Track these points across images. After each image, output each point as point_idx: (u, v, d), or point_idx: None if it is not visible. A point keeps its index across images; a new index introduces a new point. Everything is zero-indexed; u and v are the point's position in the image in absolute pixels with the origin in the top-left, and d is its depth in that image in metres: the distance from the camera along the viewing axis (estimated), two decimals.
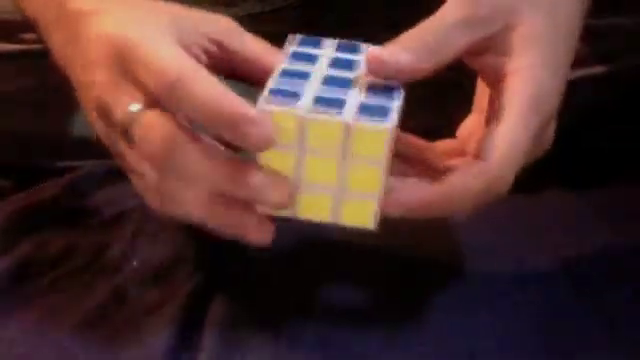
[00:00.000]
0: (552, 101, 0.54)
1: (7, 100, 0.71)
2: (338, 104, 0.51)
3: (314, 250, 0.62)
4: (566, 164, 0.64)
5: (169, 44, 0.53)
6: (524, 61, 0.54)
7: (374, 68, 0.53)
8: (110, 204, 0.66)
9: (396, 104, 0.52)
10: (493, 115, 0.54)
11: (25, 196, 0.67)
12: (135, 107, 0.53)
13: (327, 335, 0.57)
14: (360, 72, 0.54)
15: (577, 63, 0.62)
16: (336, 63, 0.55)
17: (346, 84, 0.53)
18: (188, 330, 0.58)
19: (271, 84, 0.52)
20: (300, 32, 0.57)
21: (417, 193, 0.52)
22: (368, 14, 0.68)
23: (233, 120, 0.50)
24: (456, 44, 0.53)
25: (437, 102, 0.64)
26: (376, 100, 0.52)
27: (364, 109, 0.51)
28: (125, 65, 0.53)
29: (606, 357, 0.56)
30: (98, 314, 0.59)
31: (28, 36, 0.71)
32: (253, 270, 0.61)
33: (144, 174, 0.53)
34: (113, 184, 0.66)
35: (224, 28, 0.56)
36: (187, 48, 0.54)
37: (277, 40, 0.57)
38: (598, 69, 0.64)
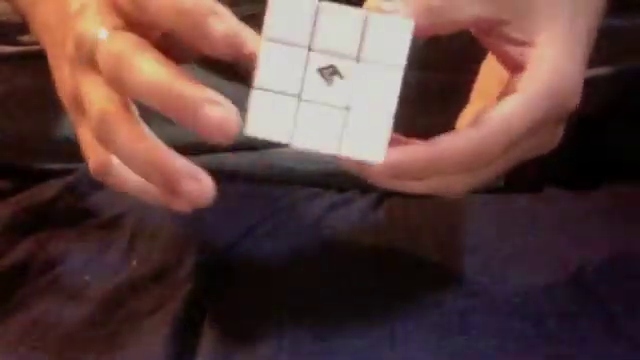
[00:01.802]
0: (569, 93, 0.53)
1: (6, 101, 0.71)
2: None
3: (314, 250, 0.62)
4: (566, 164, 0.65)
5: None
6: (548, 52, 0.52)
7: None
8: (109, 205, 0.66)
9: None
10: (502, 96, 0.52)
11: (25, 197, 0.67)
12: (103, 33, 0.50)
13: (327, 336, 0.57)
14: None
15: None
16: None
17: None
18: (188, 330, 0.58)
19: None
20: None
21: (404, 153, 0.50)
22: None
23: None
24: (462, 13, 0.51)
25: (439, 106, 0.63)
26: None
27: None
28: None
29: (606, 357, 0.56)
30: (98, 314, 0.59)
31: (25, 38, 0.71)
32: (253, 270, 0.61)
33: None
34: None
35: None
36: None
37: None
38: (598, 71, 0.65)
